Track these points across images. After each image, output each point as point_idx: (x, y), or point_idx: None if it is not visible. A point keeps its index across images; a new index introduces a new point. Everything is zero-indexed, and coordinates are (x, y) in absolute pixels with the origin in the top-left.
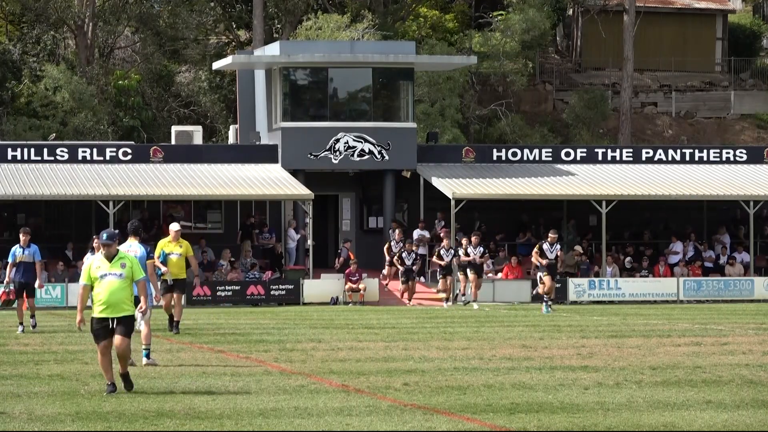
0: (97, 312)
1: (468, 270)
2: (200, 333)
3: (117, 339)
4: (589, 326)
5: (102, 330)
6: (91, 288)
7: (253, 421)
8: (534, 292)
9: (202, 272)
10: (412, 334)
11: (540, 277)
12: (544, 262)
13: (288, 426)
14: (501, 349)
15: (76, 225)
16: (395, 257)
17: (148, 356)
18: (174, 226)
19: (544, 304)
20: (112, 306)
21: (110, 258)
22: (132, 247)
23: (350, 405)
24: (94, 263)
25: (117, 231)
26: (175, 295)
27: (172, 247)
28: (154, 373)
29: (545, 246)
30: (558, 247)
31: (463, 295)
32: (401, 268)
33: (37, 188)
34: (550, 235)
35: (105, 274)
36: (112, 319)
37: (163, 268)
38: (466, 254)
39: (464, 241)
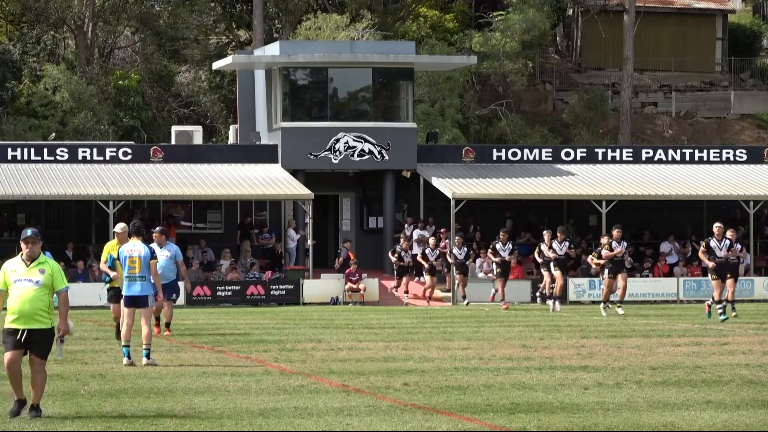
0: (8, 322)
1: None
2: (200, 333)
3: (32, 363)
4: (589, 326)
5: (10, 340)
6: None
7: (253, 421)
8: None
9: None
10: (412, 334)
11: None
12: (711, 264)
13: (288, 426)
14: (501, 349)
15: (76, 225)
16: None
17: (148, 356)
18: (117, 227)
19: (707, 307)
20: (25, 316)
21: (31, 260)
22: (135, 247)
23: (350, 405)
24: (10, 266)
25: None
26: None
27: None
28: (154, 373)
29: (713, 243)
30: (727, 243)
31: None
32: (453, 262)
33: (37, 188)
34: (716, 226)
35: (19, 280)
36: (24, 330)
37: (112, 273)
38: (550, 249)
39: (546, 235)
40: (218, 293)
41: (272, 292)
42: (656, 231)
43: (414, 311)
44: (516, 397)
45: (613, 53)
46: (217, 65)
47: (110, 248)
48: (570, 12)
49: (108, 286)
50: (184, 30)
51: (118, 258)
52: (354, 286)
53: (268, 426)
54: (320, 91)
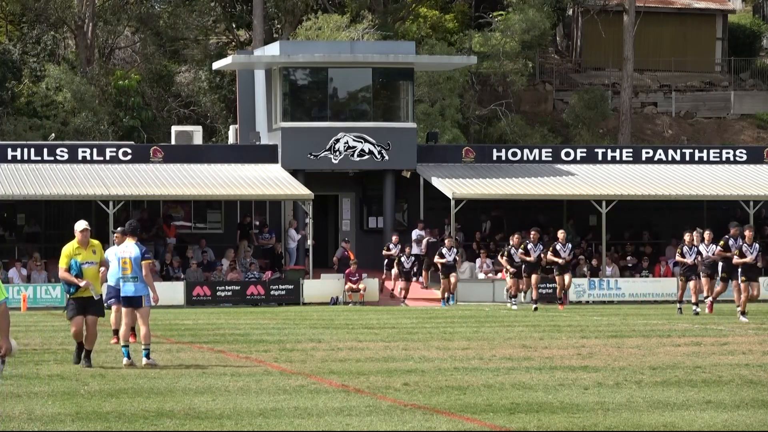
0: None
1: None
2: (200, 333)
3: None
4: (589, 326)
5: None
6: None
7: (253, 421)
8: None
9: (112, 294)
10: (412, 334)
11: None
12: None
13: (288, 426)
14: (501, 349)
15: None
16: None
17: (147, 356)
18: (80, 225)
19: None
20: None
21: None
22: (128, 248)
23: (350, 405)
24: None
25: None
26: (88, 318)
27: (85, 253)
28: (153, 373)
29: (744, 247)
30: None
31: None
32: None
33: (37, 188)
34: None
35: None
36: None
37: (83, 282)
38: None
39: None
40: (218, 293)
41: (272, 292)
42: (656, 231)
43: (414, 311)
44: (516, 397)
45: (613, 53)
46: (217, 65)
47: (72, 251)
48: (570, 12)
49: (70, 297)
50: (184, 30)
51: (109, 261)
52: (354, 286)
53: (268, 426)
54: (320, 91)
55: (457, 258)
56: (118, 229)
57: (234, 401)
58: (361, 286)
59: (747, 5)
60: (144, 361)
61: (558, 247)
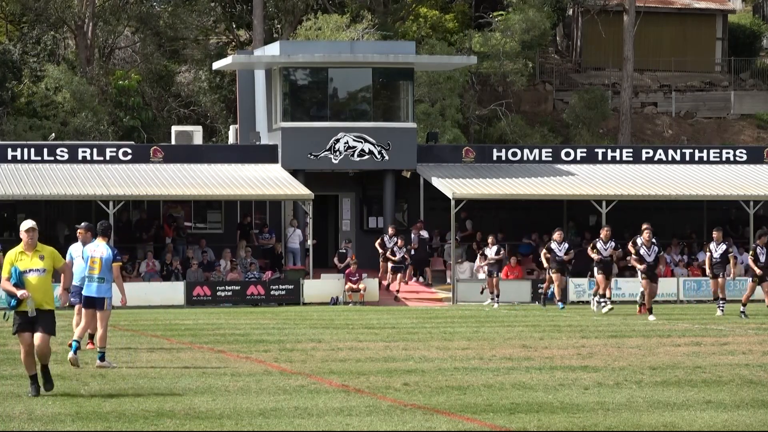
0: None
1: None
2: (200, 333)
3: None
4: (589, 326)
5: None
6: None
7: (253, 421)
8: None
9: (76, 293)
10: (412, 334)
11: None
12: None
13: (288, 426)
14: (501, 349)
15: (76, 225)
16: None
17: (102, 359)
18: (25, 224)
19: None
20: None
21: None
22: (99, 248)
23: (350, 405)
24: None
25: None
26: (37, 336)
27: (29, 260)
28: (154, 373)
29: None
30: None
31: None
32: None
33: (37, 188)
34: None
35: None
36: None
37: (20, 292)
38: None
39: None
40: (218, 293)
41: (272, 292)
42: (656, 231)
43: (414, 311)
44: (516, 397)
45: (613, 53)
46: (217, 65)
47: (14, 258)
48: (570, 12)
49: (13, 311)
50: (184, 30)
51: (73, 260)
52: (354, 286)
53: (268, 426)
54: (320, 91)
55: (568, 255)
56: (82, 224)
57: (234, 401)
58: (361, 286)
59: (747, 5)
60: (98, 363)
61: (599, 245)
